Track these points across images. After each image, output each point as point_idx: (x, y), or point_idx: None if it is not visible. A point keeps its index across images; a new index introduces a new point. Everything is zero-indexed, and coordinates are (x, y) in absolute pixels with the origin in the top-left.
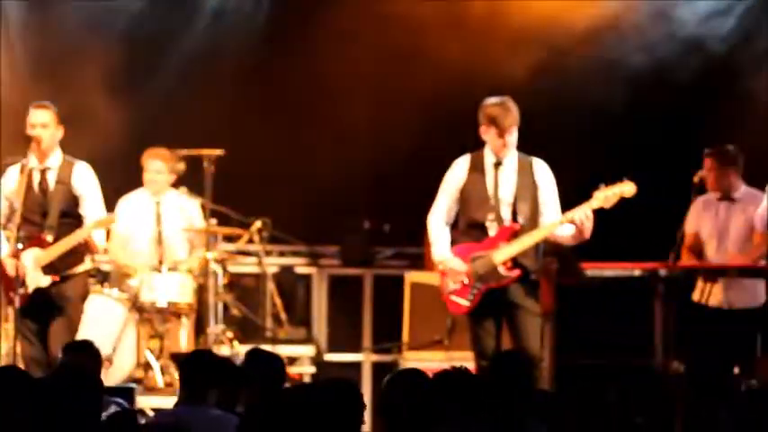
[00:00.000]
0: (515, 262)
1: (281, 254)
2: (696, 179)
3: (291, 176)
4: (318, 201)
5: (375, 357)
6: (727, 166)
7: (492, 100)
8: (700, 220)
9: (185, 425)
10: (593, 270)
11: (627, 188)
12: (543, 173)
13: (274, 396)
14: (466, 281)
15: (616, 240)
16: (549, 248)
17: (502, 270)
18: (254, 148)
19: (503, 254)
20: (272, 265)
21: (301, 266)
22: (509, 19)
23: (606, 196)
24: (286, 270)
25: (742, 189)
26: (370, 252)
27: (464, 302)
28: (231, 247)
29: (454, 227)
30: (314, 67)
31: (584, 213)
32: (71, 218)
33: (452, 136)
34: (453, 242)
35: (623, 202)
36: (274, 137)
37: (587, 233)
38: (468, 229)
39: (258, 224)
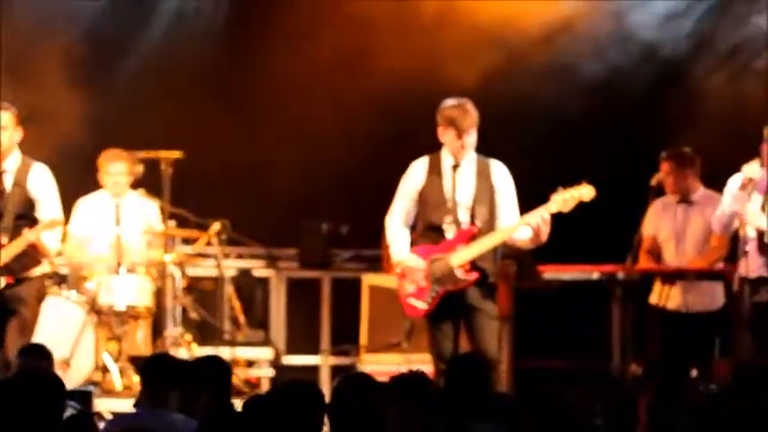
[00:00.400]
0: (473, 265)
1: (240, 256)
2: (654, 182)
3: (249, 178)
4: (276, 203)
5: (333, 360)
6: (685, 169)
7: (450, 102)
8: (658, 222)
9: (145, 428)
10: (552, 273)
11: (585, 191)
12: (501, 175)
13: (228, 400)
14: (424, 283)
15: (574, 243)
16: (507, 251)
17: (459, 273)
18: (212, 150)
19: (460, 257)
20: (231, 267)
21: (259, 269)
22: (466, 20)
23: (564, 199)
24: (244, 272)
25: (700, 191)
26: (328, 254)
27: (422, 305)
28: (189, 249)
29: (413, 229)
30: (272, 68)
31: (540, 217)
32: (27, 220)
33: (410, 138)
34: (411, 244)
35: (582, 204)
36: (232, 138)
37: (544, 237)
38: (425, 231)
39: (216, 226)
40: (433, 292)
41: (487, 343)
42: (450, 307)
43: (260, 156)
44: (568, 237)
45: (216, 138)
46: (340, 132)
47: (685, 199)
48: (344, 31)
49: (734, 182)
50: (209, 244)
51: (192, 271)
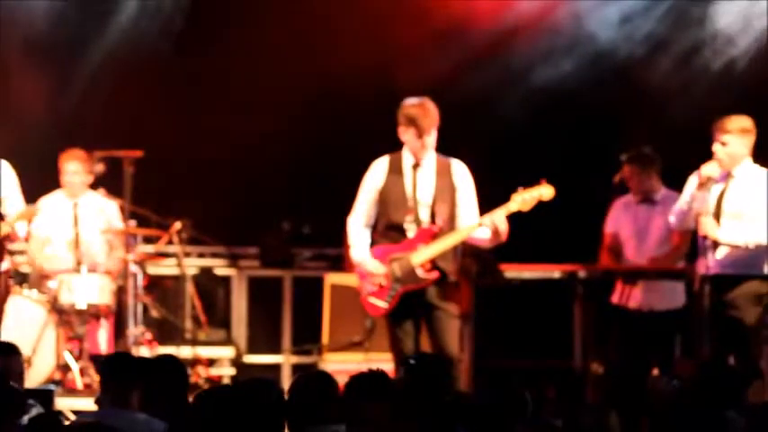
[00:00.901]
0: (434, 264)
1: (201, 255)
2: (616, 179)
3: (211, 178)
4: (238, 202)
5: (295, 359)
6: (649, 168)
7: (411, 101)
8: (619, 221)
9: (107, 427)
10: (513, 271)
11: (545, 191)
12: (462, 174)
13: (185, 400)
14: (384, 282)
15: (536, 242)
16: (469, 250)
17: (420, 272)
18: (173, 150)
19: (421, 256)
20: (192, 266)
21: (221, 268)
22: (420, 18)
23: (524, 199)
24: (205, 271)
25: (662, 191)
26: (289, 253)
27: (382, 304)
28: (150, 248)
29: (374, 229)
30: (235, 68)
31: (499, 217)
32: None
33: (372, 137)
34: (372, 243)
35: (542, 203)
36: (194, 138)
37: (503, 236)
38: (386, 230)
39: (177, 225)
40: (393, 290)
41: (447, 341)
42: (411, 306)
43: (221, 155)
44: (530, 236)
45: (178, 137)
46: (301, 131)
47: (648, 199)
48: (305, 31)
49: (694, 179)
50: (170, 243)
51: (154, 270)
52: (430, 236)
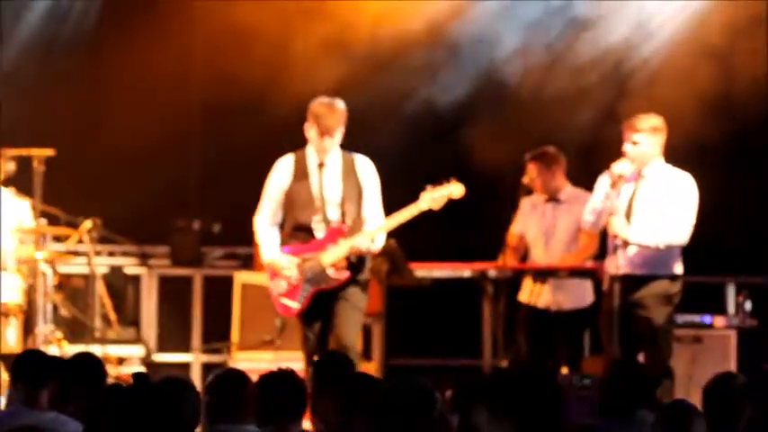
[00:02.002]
0: (345, 263)
1: (111, 254)
2: (525, 180)
3: (121, 176)
4: (148, 201)
5: (205, 358)
6: (553, 167)
7: (321, 99)
8: (526, 221)
9: (21, 427)
10: (423, 270)
11: (455, 189)
12: (366, 171)
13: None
14: (295, 279)
15: (446, 241)
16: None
17: (331, 272)
18: (83, 148)
19: (331, 255)
20: (102, 265)
21: (131, 266)
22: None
23: (433, 197)
24: (115, 270)
25: (567, 189)
26: (199, 252)
27: (294, 305)
28: (60, 247)
29: (281, 228)
30: (145, 67)
31: (408, 215)
32: None
33: (280, 134)
34: (280, 244)
35: (452, 202)
36: (104, 137)
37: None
38: (294, 231)
39: (88, 224)
40: (305, 291)
41: (345, 331)
42: (322, 305)
43: (131, 154)
44: (440, 235)
45: (88, 135)
46: (211, 129)
47: (553, 197)
48: (215, 31)
49: (604, 179)
50: (80, 242)
51: (64, 268)
52: (339, 235)
